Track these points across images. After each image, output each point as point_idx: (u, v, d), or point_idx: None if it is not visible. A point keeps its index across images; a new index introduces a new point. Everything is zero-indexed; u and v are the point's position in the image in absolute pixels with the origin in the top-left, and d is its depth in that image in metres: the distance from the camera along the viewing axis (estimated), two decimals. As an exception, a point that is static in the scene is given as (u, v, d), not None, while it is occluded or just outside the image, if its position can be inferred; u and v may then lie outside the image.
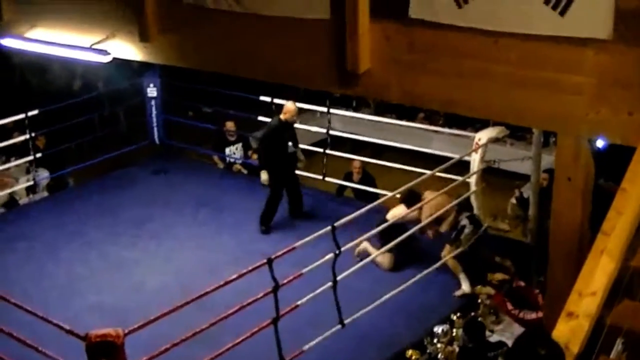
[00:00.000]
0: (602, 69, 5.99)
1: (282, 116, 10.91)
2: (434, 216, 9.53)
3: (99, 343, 5.67)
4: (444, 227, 9.82)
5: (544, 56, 6.23)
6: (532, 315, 8.12)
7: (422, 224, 9.55)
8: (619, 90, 5.96)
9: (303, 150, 11.94)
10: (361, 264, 8.50)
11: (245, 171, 13.23)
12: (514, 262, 9.79)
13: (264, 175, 10.86)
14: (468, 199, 9.88)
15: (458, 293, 9.35)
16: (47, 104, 12.69)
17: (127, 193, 12.38)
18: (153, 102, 13.41)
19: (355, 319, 8.14)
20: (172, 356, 6.37)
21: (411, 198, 9.66)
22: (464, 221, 9.45)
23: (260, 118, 12.81)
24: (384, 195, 10.22)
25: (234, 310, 6.91)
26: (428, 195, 9.81)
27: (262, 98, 12.85)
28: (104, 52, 8.90)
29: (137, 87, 13.69)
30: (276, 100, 12.66)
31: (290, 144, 11.29)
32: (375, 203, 9.25)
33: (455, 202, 9.66)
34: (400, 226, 9.44)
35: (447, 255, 9.42)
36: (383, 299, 8.53)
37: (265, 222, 10.98)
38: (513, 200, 11.71)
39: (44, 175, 12.77)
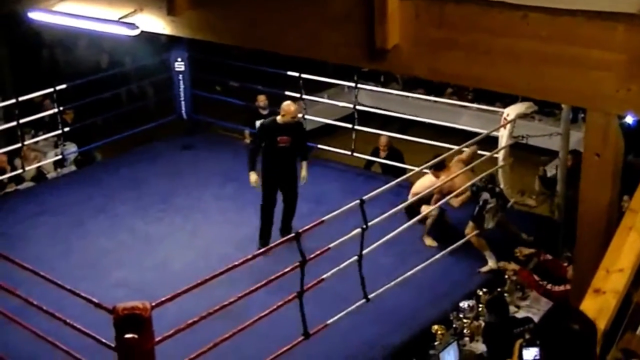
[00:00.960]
0: (633, 45, 5.92)
1: (278, 118, 9.87)
2: (458, 190, 9.54)
3: (127, 316, 5.68)
4: (456, 203, 9.80)
5: (574, 31, 6.16)
6: (560, 288, 8.07)
7: (450, 196, 9.57)
8: (650, 66, 5.90)
9: (329, 126, 11.93)
10: (387, 237, 8.48)
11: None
12: (541, 237, 9.76)
13: (252, 177, 9.88)
14: (489, 178, 9.78)
15: (484, 269, 9.34)
16: (75, 79, 12.73)
17: (154, 168, 12.44)
18: (181, 77, 13.42)
19: (381, 294, 8.16)
20: (198, 330, 6.40)
21: (438, 166, 9.65)
22: (485, 195, 9.40)
23: (288, 93, 12.80)
24: (412, 170, 10.20)
25: (260, 285, 6.92)
26: (454, 165, 9.82)
27: (289, 73, 12.80)
28: (132, 26, 8.89)
29: (164, 62, 13.71)
30: (304, 75, 12.63)
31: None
32: (402, 177, 9.25)
33: (475, 179, 9.60)
34: (427, 199, 9.46)
35: (471, 232, 9.39)
36: (408, 274, 8.55)
37: (261, 235, 9.87)
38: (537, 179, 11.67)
39: (71, 149, 12.86)
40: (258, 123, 11.41)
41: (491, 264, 9.34)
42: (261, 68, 13.20)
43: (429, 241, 9.91)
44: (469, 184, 9.52)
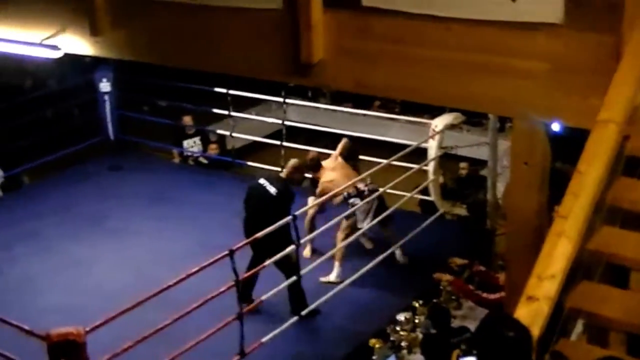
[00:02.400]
0: (555, 54, 6.01)
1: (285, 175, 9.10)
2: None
3: (60, 342, 5.61)
4: (336, 202, 9.80)
5: (497, 41, 6.23)
6: (495, 296, 8.15)
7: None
8: (573, 74, 5.98)
9: (258, 143, 11.93)
10: (324, 258, 8.49)
11: (206, 161, 13.20)
12: (473, 246, 9.88)
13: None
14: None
15: (323, 279, 9.27)
16: (-2, 102, 12.53)
17: (83, 190, 12.27)
18: (107, 97, 13.28)
19: (317, 310, 8.15)
20: (135, 354, 6.32)
21: (313, 168, 9.98)
22: (354, 201, 9.47)
23: (216, 110, 12.76)
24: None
25: (196, 306, 6.88)
26: (334, 163, 10.09)
27: (217, 89, 12.76)
28: (55, 48, 8.77)
29: (90, 82, 13.55)
30: (231, 92, 12.61)
31: None
32: (332, 193, 9.26)
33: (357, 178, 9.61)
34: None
35: (344, 230, 9.43)
36: (337, 288, 8.58)
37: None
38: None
39: (-3, 174, 12.62)
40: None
41: (333, 277, 9.30)
42: (189, 86, 13.12)
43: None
44: (350, 182, 9.49)
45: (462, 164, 11.63)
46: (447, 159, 11.49)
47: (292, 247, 7.99)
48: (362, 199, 9.39)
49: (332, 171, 9.91)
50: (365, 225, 9.44)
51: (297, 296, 8.50)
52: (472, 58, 6.37)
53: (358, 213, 9.40)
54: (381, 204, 9.63)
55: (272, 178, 9.01)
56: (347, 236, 9.35)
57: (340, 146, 10.35)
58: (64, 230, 11.00)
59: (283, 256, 7.91)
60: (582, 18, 5.83)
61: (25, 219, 11.33)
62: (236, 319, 7.16)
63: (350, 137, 10.89)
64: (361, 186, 9.47)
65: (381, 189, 9.56)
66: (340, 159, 10.04)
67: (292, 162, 9.19)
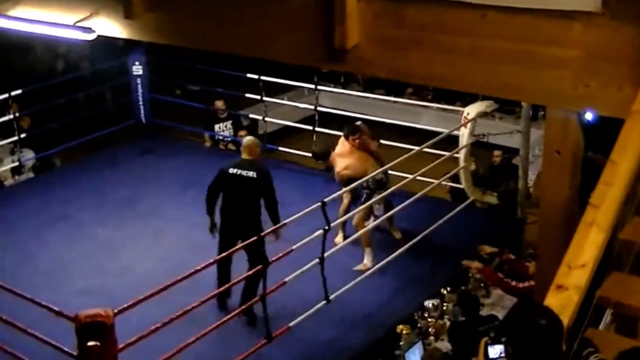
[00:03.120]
0: (591, 43, 5.95)
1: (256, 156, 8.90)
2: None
3: (89, 324, 5.64)
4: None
5: (532, 30, 6.18)
6: (525, 284, 8.11)
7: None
8: (608, 64, 5.93)
9: (289, 128, 11.92)
10: (349, 239, 8.49)
11: (234, 148, 13.22)
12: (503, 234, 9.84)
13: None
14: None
15: (357, 267, 9.26)
16: (31, 84, 12.59)
17: (113, 173, 12.34)
18: (139, 81, 13.33)
19: (345, 295, 8.16)
20: (162, 336, 6.36)
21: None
22: (363, 193, 9.57)
23: (248, 95, 12.78)
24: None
25: (222, 289, 6.90)
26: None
27: (249, 75, 12.76)
28: (89, 30, 8.80)
29: (123, 65, 13.60)
30: (263, 78, 12.61)
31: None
32: (364, 179, 9.25)
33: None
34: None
35: (360, 220, 9.43)
36: (367, 273, 8.58)
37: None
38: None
39: (29, 155, 12.68)
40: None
41: (367, 262, 9.33)
42: (221, 71, 13.12)
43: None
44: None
45: (496, 152, 11.54)
46: (480, 147, 11.44)
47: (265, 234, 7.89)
48: (380, 188, 9.45)
49: (343, 157, 9.88)
50: (378, 212, 9.58)
51: (251, 288, 8.06)
52: (506, 46, 6.33)
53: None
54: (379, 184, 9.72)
55: (241, 164, 8.69)
56: (363, 221, 9.38)
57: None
58: (94, 214, 11.06)
59: (256, 242, 7.64)
60: (620, 7, 5.77)
61: (56, 202, 11.41)
62: (259, 300, 7.17)
63: (364, 120, 11.04)
64: (379, 176, 9.48)
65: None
66: (347, 142, 9.99)
67: (246, 141, 9.07)
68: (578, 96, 6.12)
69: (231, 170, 8.61)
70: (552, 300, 4.33)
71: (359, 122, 10.53)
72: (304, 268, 7.69)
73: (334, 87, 15.83)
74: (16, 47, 15.31)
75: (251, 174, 8.54)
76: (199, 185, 11.21)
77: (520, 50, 6.27)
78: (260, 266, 7.37)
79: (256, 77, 12.66)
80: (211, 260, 6.87)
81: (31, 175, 12.74)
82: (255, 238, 7.52)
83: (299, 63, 8.19)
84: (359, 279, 8.43)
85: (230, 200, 8.63)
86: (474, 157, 10.80)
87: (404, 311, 8.63)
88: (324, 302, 7.95)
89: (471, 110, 10.33)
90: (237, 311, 7.08)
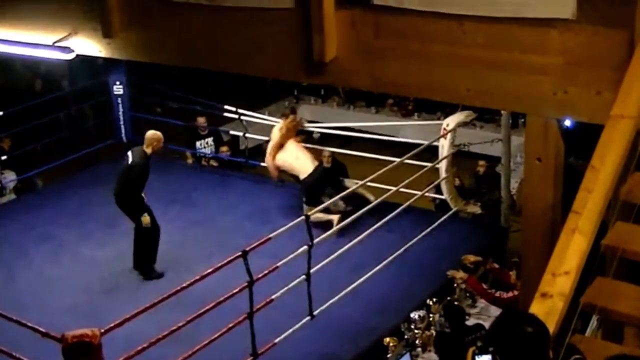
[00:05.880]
0: (568, 49, 6.00)
1: (148, 149, 9.94)
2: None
3: (76, 344, 5.61)
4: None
5: (510, 37, 6.23)
6: (509, 295, 8.13)
7: None
8: (586, 69, 5.97)
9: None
10: (335, 255, 8.48)
11: (216, 164, 13.22)
12: (487, 244, 9.85)
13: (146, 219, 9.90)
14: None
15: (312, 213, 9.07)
16: (10, 105, 12.54)
17: (96, 192, 12.24)
18: (120, 100, 13.30)
19: (331, 308, 8.15)
20: (149, 355, 6.33)
21: None
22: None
23: (227, 114, 12.81)
24: (356, 183, 10.22)
25: (209, 307, 6.88)
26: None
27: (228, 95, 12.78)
28: (67, 50, 8.80)
29: (103, 85, 13.56)
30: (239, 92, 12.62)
31: None
32: (347, 191, 9.26)
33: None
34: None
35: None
36: (353, 286, 8.54)
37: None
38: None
39: (10, 177, 12.61)
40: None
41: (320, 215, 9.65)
42: (198, 98, 13.14)
43: None
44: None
45: (481, 162, 11.58)
46: (464, 157, 11.46)
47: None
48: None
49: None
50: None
51: (141, 258, 9.95)
52: (485, 55, 6.37)
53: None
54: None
55: (135, 149, 10.01)
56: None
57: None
58: (78, 233, 11.01)
59: (137, 223, 9.79)
60: (595, 13, 5.83)
61: (39, 222, 11.35)
62: (246, 318, 7.16)
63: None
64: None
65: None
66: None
67: (148, 135, 10.02)
68: (557, 102, 6.16)
69: (129, 152, 10.08)
70: (537, 308, 4.35)
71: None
72: (290, 285, 7.67)
73: (315, 99, 15.88)
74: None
75: (130, 160, 9.93)
76: (182, 202, 11.26)
77: (498, 58, 6.33)
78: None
79: (234, 110, 12.87)
80: (197, 277, 6.84)
81: (13, 196, 12.66)
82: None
83: (278, 77, 8.23)
84: (345, 291, 8.41)
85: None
86: (457, 170, 10.81)
87: (390, 323, 8.61)
88: (308, 317, 7.94)
89: (451, 122, 10.38)
90: (224, 330, 7.05)
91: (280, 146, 11.03)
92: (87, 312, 8.82)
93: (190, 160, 13.45)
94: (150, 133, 10.02)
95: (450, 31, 6.46)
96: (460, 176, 11.29)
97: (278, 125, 11.27)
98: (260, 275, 7.22)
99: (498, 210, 10.60)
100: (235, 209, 11.45)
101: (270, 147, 11.12)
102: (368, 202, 9.86)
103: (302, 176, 10.74)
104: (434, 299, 8.77)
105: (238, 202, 11.63)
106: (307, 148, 11.46)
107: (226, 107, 12.83)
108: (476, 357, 3.88)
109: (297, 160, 10.90)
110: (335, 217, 9.95)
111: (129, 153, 9.98)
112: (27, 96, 14.06)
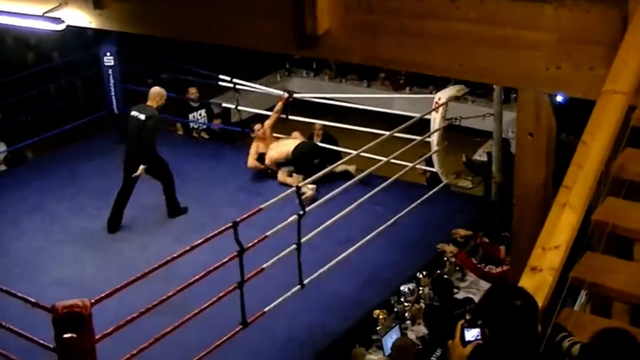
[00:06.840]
0: (562, 25, 5.99)
1: (155, 104, 10.40)
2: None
3: (66, 314, 5.61)
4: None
5: (503, 13, 6.21)
6: (498, 270, 8.15)
7: None
8: (580, 45, 5.97)
9: (262, 115, 12.00)
10: (325, 225, 8.48)
11: (207, 136, 13.20)
12: (478, 218, 9.87)
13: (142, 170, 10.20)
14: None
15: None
16: (1, 77, 12.48)
17: (87, 164, 12.26)
18: (110, 71, 13.23)
19: (321, 280, 8.18)
20: (140, 326, 6.35)
21: None
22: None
23: (221, 83, 12.75)
24: (347, 154, 10.22)
25: (199, 277, 6.89)
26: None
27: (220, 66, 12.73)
28: (58, 20, 8.75)
29: (94, 56, 13.49)
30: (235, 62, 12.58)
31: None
32: (338, 163, 9.27)
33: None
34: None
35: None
36: (340, 257, 8.57)
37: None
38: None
39: (1, 149, 12.59)
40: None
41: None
42: (190, 68, 13.08)
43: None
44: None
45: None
46: (457, 132, 11.47)
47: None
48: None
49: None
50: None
51: (175, 206, 10.54)
52: (477, 30, 6.36)
53: None
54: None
55: (141, 107, 10.30)
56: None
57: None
58: (69, 205, 11.03)
59: (159, 168, 10.31)
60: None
61: (30, 194, 11.35)
62: (237, 288, 7.18)
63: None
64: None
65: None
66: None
67: (152, 90, 10.47)
68: (550, 78, 6.15)
69: (132, 112, 10.30)
70: (527, 282, 4.37)
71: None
72: (281, 255, 7.69)
73: (307, 72, 15.84)
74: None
75: (142, 116, 10.11)
76: (173, 173, 11.22)
77: (491, 34, 6.31)
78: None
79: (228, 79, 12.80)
80: (188, 248, 6.85)
81: (3, 168, 12.64)
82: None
83: (271, 50, 8.20)
84: (333, 262, 8.43)
85: (126, 140, 10.45)
86: (448, 145, 10.81)
87: (380, 296, 8.65)
88: (298, 287, 7.97)
89: (442, 95, 10.39)
90: (214, 299, 7.07)
91: (259, 153, 11.45)
92: (78, 283, 8.84)
93: (180, 132, 13.42)
94: (156, 88, 10.47)
95: (443, 7, 6.44)
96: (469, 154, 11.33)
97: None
98: (250, 244, 7.24)
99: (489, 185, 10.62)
100: (227, 180, 11.45)
101: (250, 155, 11.52)
102: (351, 175, 9.97)
103: (291, 154, 11.00)
104: (424, 272, 8.81)
105: (230, 174, 11.63)
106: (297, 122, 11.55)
107: (221, 76, 12.77)
108: (465, 331, 3.88)
109: (281, 146, 11.28)
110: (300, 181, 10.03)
111: (134, 112, 10.27)
112: (18, 68, 13.98)
